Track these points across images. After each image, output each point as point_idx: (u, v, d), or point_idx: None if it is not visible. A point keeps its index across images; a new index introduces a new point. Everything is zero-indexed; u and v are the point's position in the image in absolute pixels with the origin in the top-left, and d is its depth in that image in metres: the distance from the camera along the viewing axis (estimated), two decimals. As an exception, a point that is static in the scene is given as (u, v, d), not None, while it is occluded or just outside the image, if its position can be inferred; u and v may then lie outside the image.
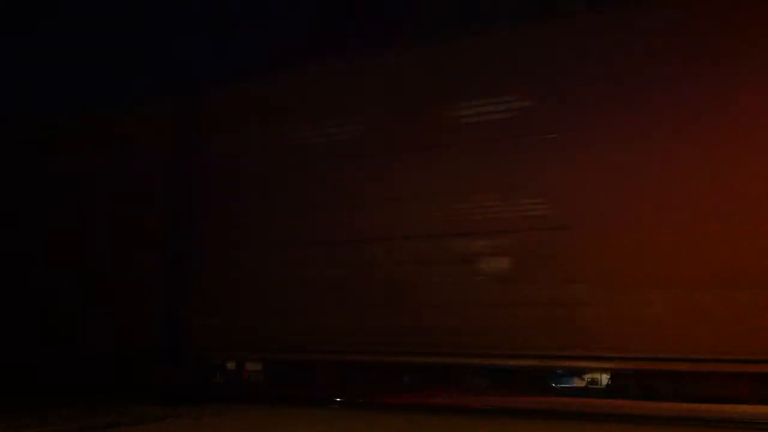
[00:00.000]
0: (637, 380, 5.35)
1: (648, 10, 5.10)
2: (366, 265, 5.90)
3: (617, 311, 4.92)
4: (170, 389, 6.27)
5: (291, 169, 6.34)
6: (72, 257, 7.38)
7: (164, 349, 6.59)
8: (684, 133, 4.88)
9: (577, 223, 5.15)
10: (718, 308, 4.64)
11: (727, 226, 4.68)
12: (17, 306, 7.52)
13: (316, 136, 6.29)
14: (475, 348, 5.36)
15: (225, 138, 6.77)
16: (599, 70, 5.17)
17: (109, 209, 7.28)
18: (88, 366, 7.06)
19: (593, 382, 5.89)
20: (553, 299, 5.12)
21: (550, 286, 5.17)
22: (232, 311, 6.46)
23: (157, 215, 6.91)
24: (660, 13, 5.07)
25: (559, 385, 6.00)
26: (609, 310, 4.94)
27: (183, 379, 6.44)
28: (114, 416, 5.19)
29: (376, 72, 6.15)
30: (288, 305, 6.18)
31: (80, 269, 7.30)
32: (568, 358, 5.13)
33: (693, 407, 5.00)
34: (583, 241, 5.09)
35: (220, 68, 6.93)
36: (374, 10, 6.43)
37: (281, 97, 6.57)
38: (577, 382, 5.99)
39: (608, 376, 5.72)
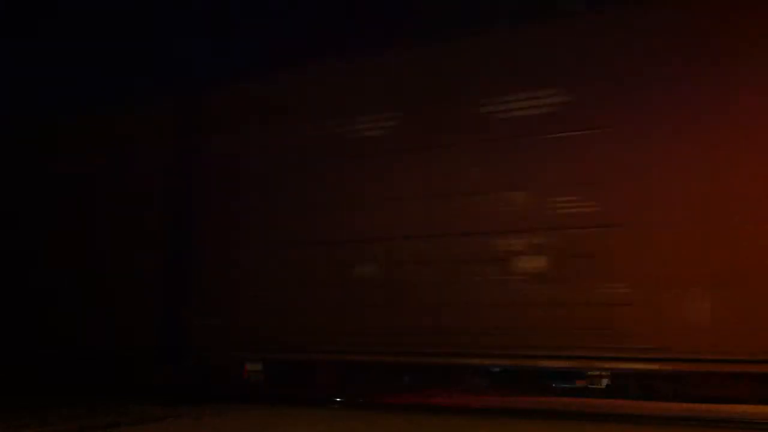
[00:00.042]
0: (637, 380, 5.35)
1: (648, 10, 5.10)
2: (366, 265, 5.90)
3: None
4: (170, 389, 6.27)
5: (291, 169, 6.34)
6: (72, 257, 7.38)
7: (164, 349, 6.59)
8: (684, 133, 4.88)
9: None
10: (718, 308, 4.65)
11: (726, 226, 4.69)
12: (17, 306, 7.52)
13: (316, 136, 6.29)
14: (475, 348, 5.36)
15: (225, 138, 6.76)
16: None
17: (109, 209, 7.28)
18: (88, 366, 7.06)
19: (593, 382, 5.89)
20: (553, 299, 5.12)
21: (551, 286, 5.17)
22: (232, 311, 6.46)
23: (157, 215, 6.91)
24: (660, 13, 5.07)
25: (558, 386, 6.00)
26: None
27: (183, 379, 6.44)
28: (114, 416, 5.20)
29: (376, 72, 6.14)
30: (288, 305, 6.18)
31: (80, 269, 7.31)
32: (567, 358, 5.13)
33: (693, 407, 5.00)
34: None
35: (220, 68, 6.93)
36: (374, 10, 6.44)
37: (281, 97, 6.57)
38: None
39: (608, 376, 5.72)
